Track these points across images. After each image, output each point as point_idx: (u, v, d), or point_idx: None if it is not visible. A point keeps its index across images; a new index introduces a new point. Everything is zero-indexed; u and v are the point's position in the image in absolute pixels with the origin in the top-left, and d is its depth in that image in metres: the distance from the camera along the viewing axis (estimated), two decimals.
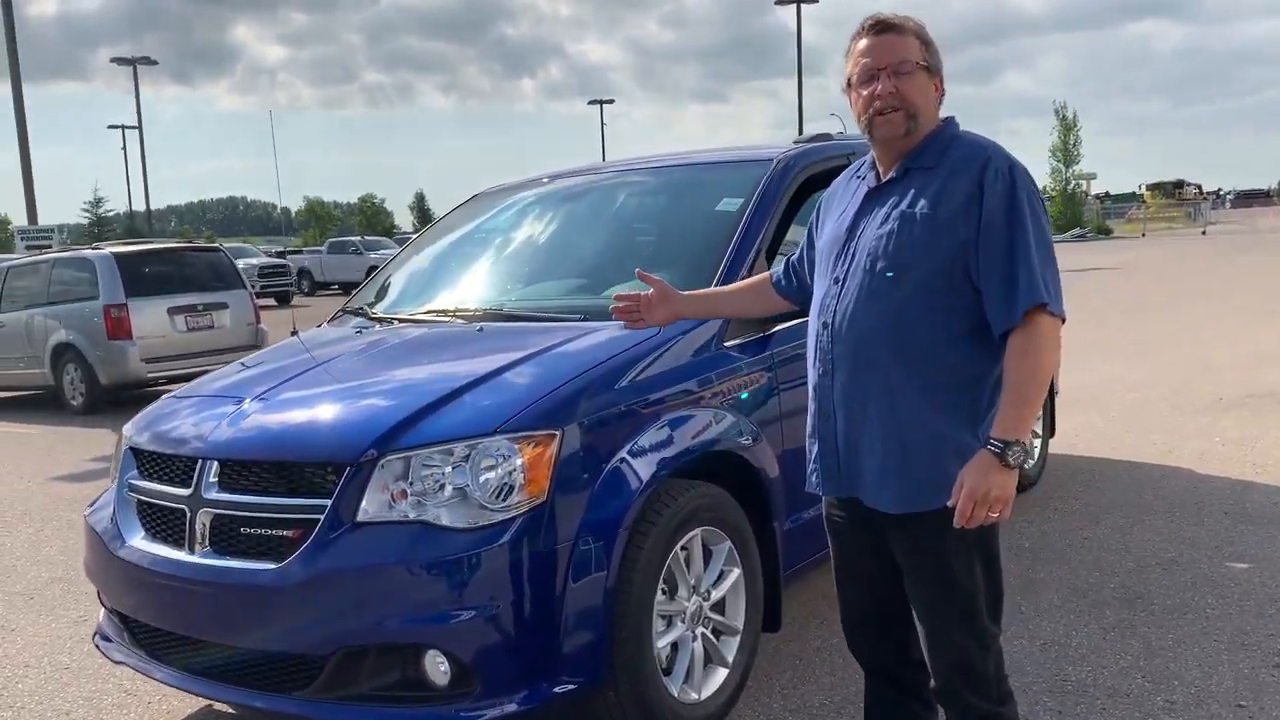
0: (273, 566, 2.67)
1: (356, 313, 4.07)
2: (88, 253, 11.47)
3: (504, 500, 2.64)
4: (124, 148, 45.43)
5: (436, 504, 2.65)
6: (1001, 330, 2.12)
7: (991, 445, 2.07)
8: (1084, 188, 55.15)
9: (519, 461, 2.66)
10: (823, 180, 4.06)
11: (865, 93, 2.21)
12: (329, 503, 2.65)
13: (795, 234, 3.85)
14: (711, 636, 3.13)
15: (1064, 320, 2.16)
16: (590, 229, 4.07)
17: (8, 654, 4.14)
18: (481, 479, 2.65)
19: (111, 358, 10.66)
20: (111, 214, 52.08)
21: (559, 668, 2.67)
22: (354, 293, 4.38)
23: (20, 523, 6.31)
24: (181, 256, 11.85)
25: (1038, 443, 5.63)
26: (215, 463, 2.89)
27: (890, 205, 2.22)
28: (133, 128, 39.89)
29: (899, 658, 2.45)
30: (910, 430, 2.18)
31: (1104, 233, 46.59)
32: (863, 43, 2.23)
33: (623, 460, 2.83)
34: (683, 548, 3.01)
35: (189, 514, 2.88)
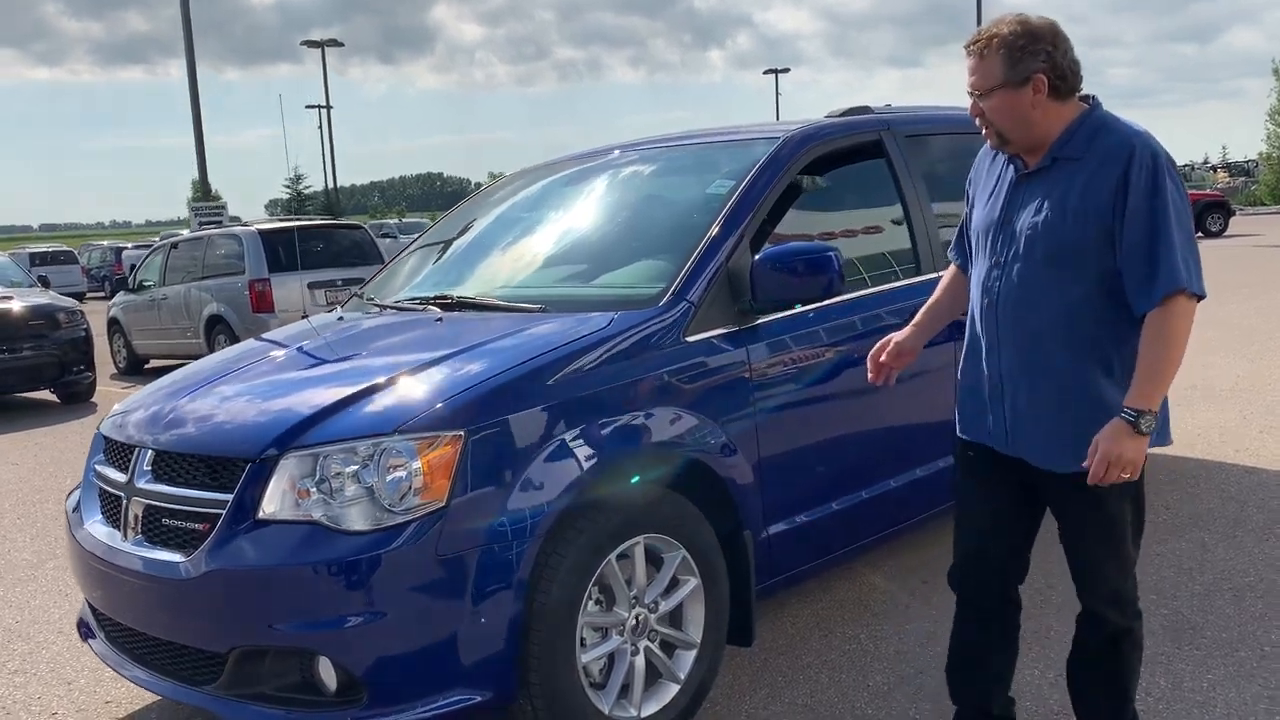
0: (181, 559, 2.66)
1: (361, 297, 4.05)
2: (237, 230, 12.08)
3: (404, 503, 2.54)
4: (320, 126, 47.81)
5: (342, 503, 2.57)
6: (1142, 312, 2.25)
7: (1125, 413, 2.22)
8: None
9: (416, 464, 2.54)
10: (839, 159, 3.79)
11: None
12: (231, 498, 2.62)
13: (797, 218, 3.60)
14: (659, 651, 2.95)
15: (1203, 298, 2.27)
16: (586, 214, 3.90)
17: (51, 619, 4.36)
18: (387, 480, 2.56)
19: (256, 330, 11.20)
20: (310, 190, 54.93)
21: (459, 680, 2.55)
22: (372, 275, 4.37)
23: None
24: (325, 234, 12.32)
25: None
26: (150, 451, 2.91)
27: (1042, 194, 2.36)
28: (328, 107, 42.10)
29: (1000, 594, 2.63)
30: (1078, 399, 2.34)
31: None
32: (966, 62, 2.38)
33: (545, 462, 2.67)
34: (622, 556, 2.83)
35: (125, 501, 2.91)
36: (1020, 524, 2.58)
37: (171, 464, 2.84)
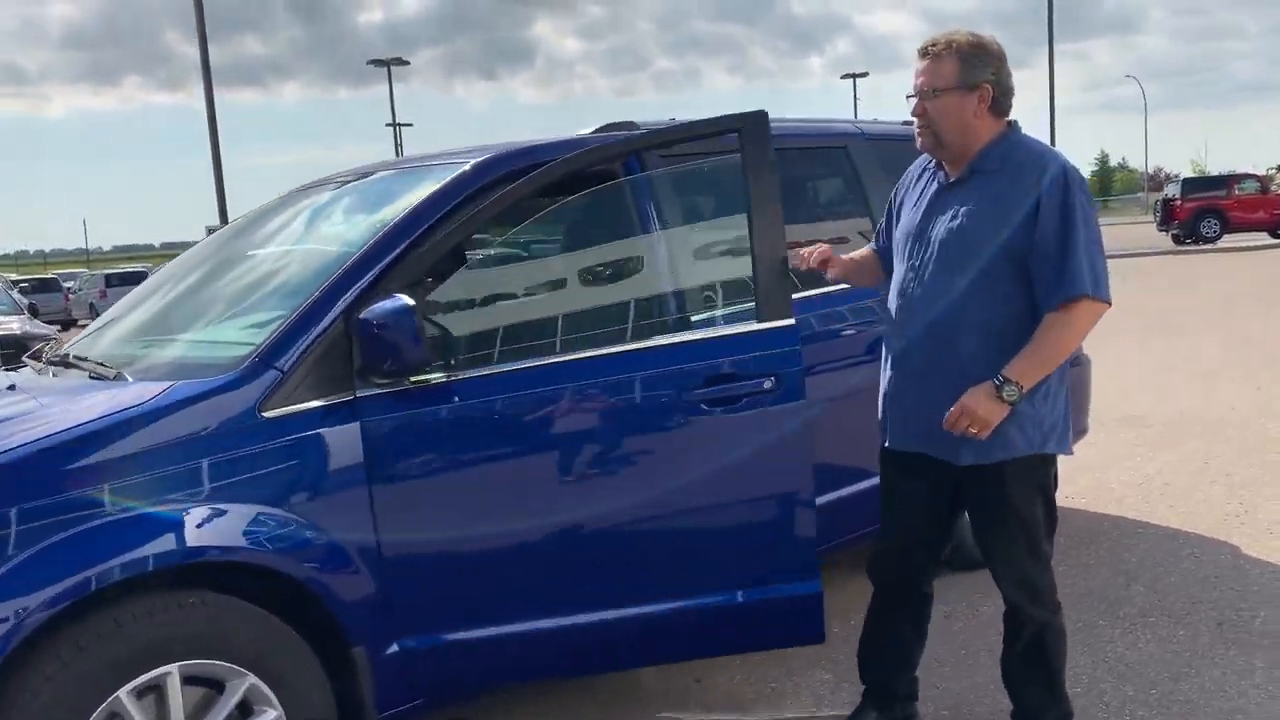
0: None
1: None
2: None
3: None
4: (397, 145, 48.34)
5: None
6: (1048, 310, 2.45)
7: (995, 378, 2.44)
8: None
9: None
10: (560, 188, 3.14)
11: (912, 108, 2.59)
12: None
13: (484, 263, 3.03)
14: None
15: (1109, 304, 2.48)
16: (259, 256, 3.31)
17: None
18: None
19: None
20: None
21: None
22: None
23: None
24: None
25: None
26: None
27: (959, 203, 2.55)
28: (396, 125, 42.49)
29: (913, 584, 2.82)
30: None
31: None
32: (916, 64, 2.56)
33: (4, 579, 2.15)
34: (147, 689, 2.31)
35: None
36: (935, 522, 2.75)
37: None
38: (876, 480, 2.92)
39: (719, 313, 3.10)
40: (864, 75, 50.17)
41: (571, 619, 2.76)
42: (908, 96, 2.61)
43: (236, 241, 3.51)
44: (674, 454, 2.82)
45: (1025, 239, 2.45)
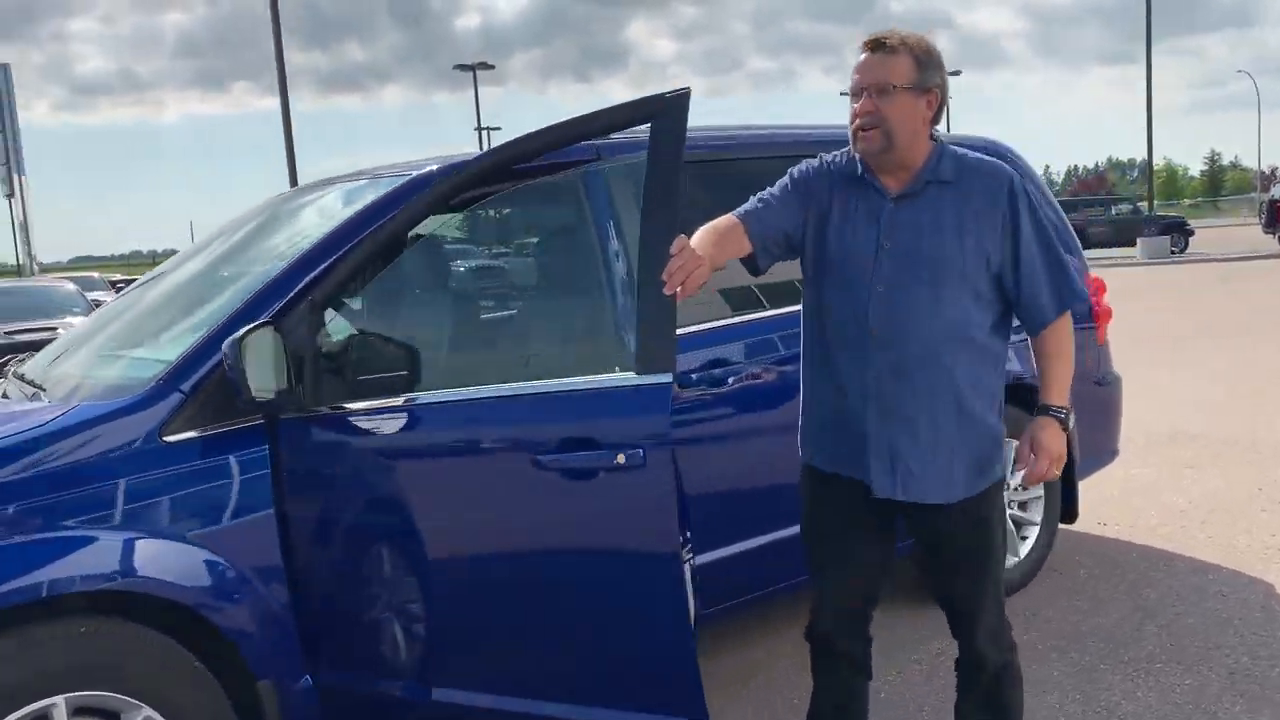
0: None
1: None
2: None
3: None
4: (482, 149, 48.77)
5: None
6: (1041, 327, 2.35)
7: (1056, 412, 2.33)
8: None
9: None
10: (517, 200, 3.01)
11: (854, 107, 2.32)
12: None
13: (429, 282, 2.90)
14: None
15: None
16: (224, 267, 3.24)
17: None
18: None
19: None
20: None
21: None
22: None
23: None
24: None
25: (1029, 537, 4.10)
26: None
27: (921, 218, 2.31)
28: (480, 129, 42.92)
29: (858, 636, 2.57)
30: (968, 424, 2.32)
31: None
32: (859, 58, 2.32)
33: None
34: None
35: None
36: (880, 560, 2.53)
37: None
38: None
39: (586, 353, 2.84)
40: (956, 74, 48.88)
41: (453, 694, 2.55)
42: (842, 94, 2.43)
43: (200, 255, 3.45)
44: (517, 529, 2.43)
45: (1006, 253, 2.30)
